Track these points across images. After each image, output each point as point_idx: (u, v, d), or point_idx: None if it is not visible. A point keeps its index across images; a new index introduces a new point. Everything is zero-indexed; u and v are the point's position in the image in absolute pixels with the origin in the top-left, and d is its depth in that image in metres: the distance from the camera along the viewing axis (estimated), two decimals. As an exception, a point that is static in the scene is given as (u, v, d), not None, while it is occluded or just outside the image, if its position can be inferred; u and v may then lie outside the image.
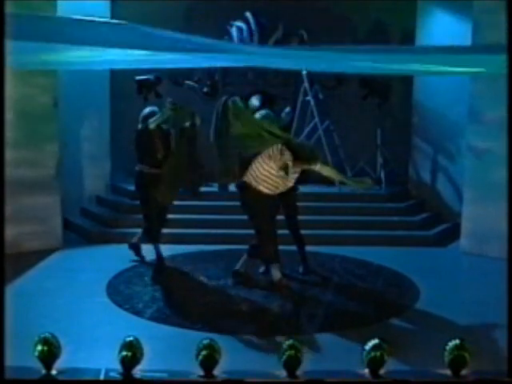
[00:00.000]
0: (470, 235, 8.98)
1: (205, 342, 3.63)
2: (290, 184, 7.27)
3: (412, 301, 7.27)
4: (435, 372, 3.70)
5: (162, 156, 7.96)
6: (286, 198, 7.52)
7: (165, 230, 9.12)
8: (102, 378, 3.58)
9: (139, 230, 9.20)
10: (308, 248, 7.88)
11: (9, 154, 7.67)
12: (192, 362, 3.61)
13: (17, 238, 8.34)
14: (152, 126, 7.84)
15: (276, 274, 7.33)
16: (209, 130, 7.68)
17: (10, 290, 6.17)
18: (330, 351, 5.77)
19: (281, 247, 7.50)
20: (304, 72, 10.04)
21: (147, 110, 8.10)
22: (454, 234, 9.40)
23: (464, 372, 3.60)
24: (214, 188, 10.04)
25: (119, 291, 7.40)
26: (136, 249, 8.35)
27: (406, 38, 10.31)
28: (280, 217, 7.64)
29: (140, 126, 8.01)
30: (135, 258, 8.36)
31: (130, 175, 9.95)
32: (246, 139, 7.43)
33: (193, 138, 7.88)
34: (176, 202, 9.62)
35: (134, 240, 8.39)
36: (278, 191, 7.22)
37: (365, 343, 3.65)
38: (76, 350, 5.09)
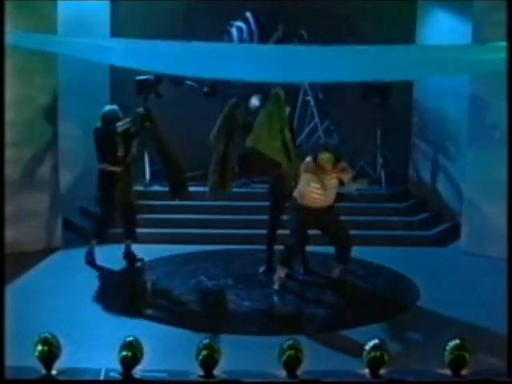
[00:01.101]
0: (470, 235, 8.97)
1: (205, 341, 3.64)
2: (330, 199, 7.27)
3: (412, 301, 7.26)
4: (435, 372, 3.70)
5: (122, 154, 8.00)
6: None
7: (165, 230, 9.15)
8: (101, 378, 3.59)
9: (138, 230, 9.21)
10: (308, 248, 7.88)
11: (9, 154, 7.69)
12: (192, 362, 3.61)
13: (17, 238, 8.34)
14: (120, 129, 7.91)
15: (280, 272, 7.40)
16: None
17: (10, 290, 6.18)
18: (330, 351, 5.77)
19: (280, 247, 7.55)
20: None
21: (107, 108, 8.09)
22: (454, 234, 9.40)
23: (464, 372, 3.60)
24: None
25: (119, 291, 7.40)
26: (129, 257, 8.30)
27: (406, 38, 10.29)
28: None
29: (100, 125, 7.99)
30: (135, 262, 8.31)
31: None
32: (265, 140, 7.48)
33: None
34: (176, 203, 9.65)
35: (125, 249, 8.33)
36: (317, 205, 7.22)
37: (365, 343, 3.66)
38: (76, 350, 5.10)
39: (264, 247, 7.97)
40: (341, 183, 7.37)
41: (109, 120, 7.94)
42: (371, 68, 5.91)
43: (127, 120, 7.97)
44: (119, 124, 7.93)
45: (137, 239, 8.34)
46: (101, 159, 8.06)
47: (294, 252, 7.46)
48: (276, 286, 7.39)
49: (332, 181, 7.19)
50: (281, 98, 7.64)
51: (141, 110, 8.14)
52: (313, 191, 7.17)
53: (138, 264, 8.26)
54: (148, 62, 6.37)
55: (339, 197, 7.46)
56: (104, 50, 6.34)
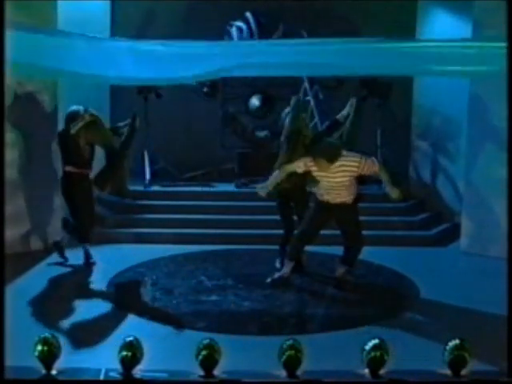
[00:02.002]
0: (470, 235, 8.97)
1: (205, 342, 3.64)
2: (343, 195, 7.17)
3: (412, 301, 7.27)
4: (435, 372, 3.70)
5: (88, 155, 7.91)
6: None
7: (165, 230, 9.15)
8: (101, 378, 3.59)
9: (138, 230, 9.22)
10: (308, 248, 7.88)
11: (9, 154, 7.69)
12: (192, 362, 3.61)
13: (17, 238, 8.34)
14: (73, 130, 7.75)
15: (286, 270, 7.47)
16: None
17: (10, 290, 6.17)
18: (330, 351, 5.77)
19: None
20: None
21: (73, 108, 7.90)
22: (454, 234, 9.40)
23: (464, 372, 3.60)
24: (215, 188, 10.06)
25: (119, 291, 7.40)
26: (60, 249, 8.24)
27: (406, 38, 10.30)
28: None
29: (64, 127, 7.87)
30: (60, 259, 8.22)
31: (131, 175, 9.97)
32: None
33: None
34: (175, 202, 9.66)
35: (58, 239, 8.32)
36: (333, 201, 7.18)
37: (365, 343, 3.65)
38: (76, 350, 5.10)
39: (264, 247, 7.99)
40: (361, 180, 7.30)
41: (72, 121, 7.78)
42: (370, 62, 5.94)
43: (78, 121, 7.80)
44: (72, 125, 7.78)
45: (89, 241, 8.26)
46: (65, 161, 7.93)
47: (300, 244, 7.46)
48: (268, 279, 7.46)
49: (338, 178, 7.05)
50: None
51: (90, 112, 7.93)
52: (323, 188, 7.16)
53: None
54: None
55: (360, 196, 7.40)
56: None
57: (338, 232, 7.71)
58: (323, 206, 7.22)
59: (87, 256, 8.17)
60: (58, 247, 8.27)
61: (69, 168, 7.91)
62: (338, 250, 7.73)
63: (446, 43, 6.42)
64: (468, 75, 7.51)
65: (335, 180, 7.06)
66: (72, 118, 7.79)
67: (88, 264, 8.14)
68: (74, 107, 7.89)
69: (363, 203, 9.68)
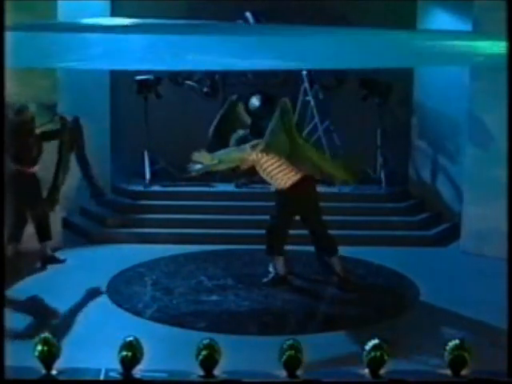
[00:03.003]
0: (470, 235, 8.97)
1: (205, 341, 3.64)
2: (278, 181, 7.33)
3: (412, 301, 7.27)
4: (435, 372, 3.71)
5: (36, 154, 7.80)
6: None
7: (165, 230, 9.14)
8: (101, 378, 3.59)
9: (138, 230, 9.20)
10: (308, 248, 7.88)
11: (9, 154, 7.67)
12: (192, 362, 3.62)
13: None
14: (45, 128, 7.74)
15: (279, 267, 7.47)
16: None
17: (10, 290, 6.18)
18: (330, 351, 5.77)
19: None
20: (304, 72, 10.04)
21: (21, 105, 7.80)
22: (454, 234, 9.39)
23: (464, 372, 3.61)
24: (215, 188, 10.05)
25: (119, 291, 7.40)
26: (54, 259, 8.14)
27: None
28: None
29: (14, 119, 7.66)
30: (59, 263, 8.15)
31: (131, 175, 9.98)
32: None
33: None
34: (175, 202, 9.65)
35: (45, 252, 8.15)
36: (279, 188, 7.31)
37: (365, 343, 3.66)
38: (76, 350, 5.10)
39: (264, 247, 7.96)
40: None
41: (21, 119, 7.69)
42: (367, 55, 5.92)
43: (46, 124, 7.79)
44: (50, 126, 7.76)
45: (51, 238, 8.16)
46: (15, 160, 7.74)
47: (271, 236, 7.46)
48: (264, 279, 7.51)
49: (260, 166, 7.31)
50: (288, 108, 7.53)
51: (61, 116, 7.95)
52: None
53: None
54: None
55: (308, 178, 7.35)
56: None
57: (338, 232, 7.74)
58: (282, 197, 7.34)
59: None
60: (52, 259, 8.15)
61: (15, 166, 7.74)
62: (341, 250, 7.74)
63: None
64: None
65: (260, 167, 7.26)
66: (23, 116, 7.71)
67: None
68: (23, 104, 7.82)
69: (363, 203, 9.74)
